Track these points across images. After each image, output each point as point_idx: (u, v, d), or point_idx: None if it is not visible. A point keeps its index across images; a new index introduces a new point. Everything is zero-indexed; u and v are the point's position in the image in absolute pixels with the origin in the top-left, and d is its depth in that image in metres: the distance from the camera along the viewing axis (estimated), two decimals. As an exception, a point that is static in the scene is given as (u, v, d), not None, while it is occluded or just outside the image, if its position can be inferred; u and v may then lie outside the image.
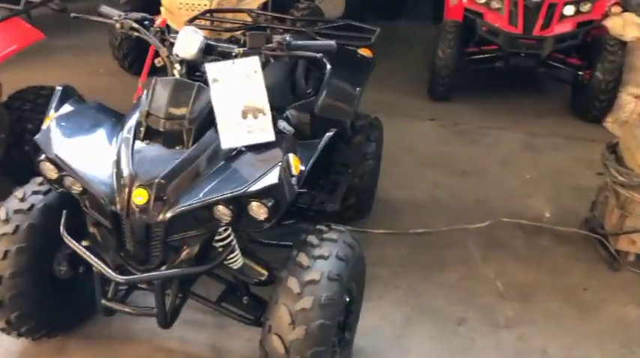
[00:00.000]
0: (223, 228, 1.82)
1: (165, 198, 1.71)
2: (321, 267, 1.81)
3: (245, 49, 1.90)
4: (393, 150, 4.11)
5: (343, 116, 2.71)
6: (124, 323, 2.36)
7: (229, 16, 3.68)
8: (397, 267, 2.91)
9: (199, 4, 4.58)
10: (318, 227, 1.99)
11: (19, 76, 3.95)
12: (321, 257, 1.84)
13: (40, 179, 2.07)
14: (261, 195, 1.71)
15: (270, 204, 1.72)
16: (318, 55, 1.87)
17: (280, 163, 1.76)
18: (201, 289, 2.16)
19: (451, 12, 5.16)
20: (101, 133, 1.92)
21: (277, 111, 2.57)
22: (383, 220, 3.27)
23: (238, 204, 1.73)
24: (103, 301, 1.88)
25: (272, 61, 1.92)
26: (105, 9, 2.10)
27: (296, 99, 2.71)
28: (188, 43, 1.88)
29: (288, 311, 1.74)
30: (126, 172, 1.73)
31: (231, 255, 1.96)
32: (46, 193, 2.03)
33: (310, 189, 2.29)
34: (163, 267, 1.80)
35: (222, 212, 1.72)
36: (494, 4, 4.72)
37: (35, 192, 2.03)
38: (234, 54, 1.90)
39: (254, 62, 1.86)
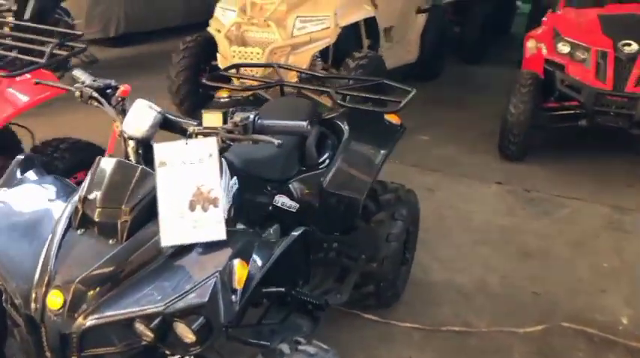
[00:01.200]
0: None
1: (82, 302, 1.43)
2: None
3: (199, 127, 1.61)
4: (446, 220, 3.64)
5: (355, 193, 2.33)
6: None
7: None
8: (416, 374, 2.42)
9: (252, 52, 4.45)
10: (279, 347, 1.61)
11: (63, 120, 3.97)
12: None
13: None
14: (185, 314, 1.38)
15: (195, 326, 1.38)
16: (276, 142, 1.52)
17: (218, 274, 1.42)
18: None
19: (529, 62, 4.61)
20: (43, 216, 1.68)
21: (278, 184, 2.25)
22: (413, 309, 2.79)
23: (162, 321, 1.41)
24: None
25: (231, 144, 1.61)
26: (77, 72, 1.91)
27: (305, 171, 2.37)
28: (139, 119, 1.62)
29: None
30: (46, 269, 1.48)
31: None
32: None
33: (291, 287, 1.93)
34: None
35: (142, 330, 1.40)
36: (579, 55, 4.13)
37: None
38: (188, 133, 1.61)
39: (210, 144, 1.55)
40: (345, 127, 2.47)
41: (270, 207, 2.16)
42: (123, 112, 1.75)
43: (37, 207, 1.71)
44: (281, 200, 2.23)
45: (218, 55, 4.68)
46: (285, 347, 1.62)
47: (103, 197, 1.55)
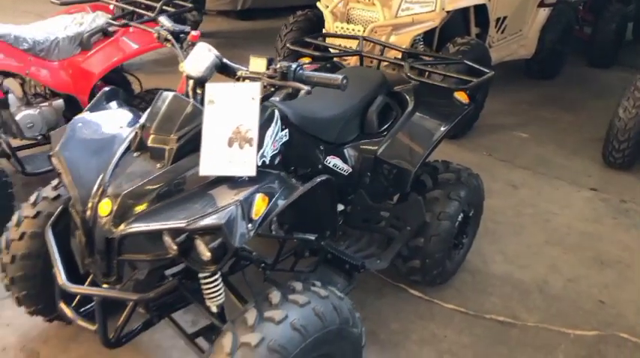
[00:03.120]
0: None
1: (126, 213, 1.64)
2: (265, 332, 1.54)
3: (248, 72, 1.74)
4: (523, 217, 3.51)
5: (407, 164, 2.35)
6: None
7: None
8: (448, 354, 2.40)
9: (353, 29, 4.53)
10: (292, 283, 1.71)
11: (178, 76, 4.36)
12: (270, 320, 1.57)
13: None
14: (204, 233, 1.53)
15: (212, 245, 1.52)
16: (305, 89, 1.60)
17: (238, 204, 1.55)
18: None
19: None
20: (111, 139, 1.92)
21: (334, 146, 2.34)
22: (461, 294, 2.76)
23: (188, 238, 1.57)
24: (60, 305, 1.88)
25: (271, 89, 1.72)
26: (162, 18, 2.13)
27: (363, 137, 2.44)
28: (198, 59, 1.79)
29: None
30: (103, 180, 1.71)
31: (210, 289, 1.81)
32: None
33: (320, 236, 2.00)
34: (118, 286, 1.73)
35: (168, 243, 1.58)
36: None
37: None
38: (236, 76, 1.75)
39: (254, 88, 1.68)
40: (411, 100, 2.49)
41: (321, 166, 2.25)
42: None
43: (109, 131, 1.95)
44: (333, 161, 2.32)
45: (324, 30, 4.81)
46: (298, 285, 1.70)
47: (156, 125, 1.75)
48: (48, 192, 2.12)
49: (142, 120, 1.81)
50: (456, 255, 2.76)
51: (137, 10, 3.30)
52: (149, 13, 3.23)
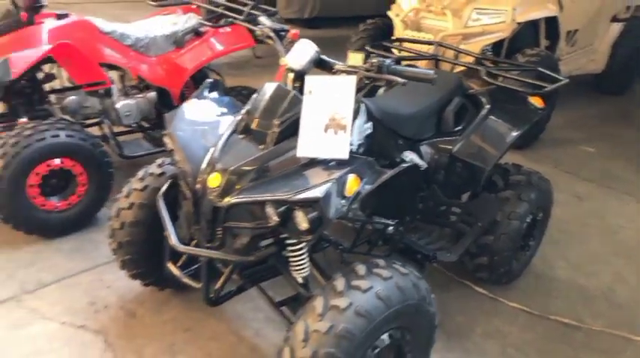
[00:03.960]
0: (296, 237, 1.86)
1: (232, 186, 1.85)
2: (352, 298, 1.70)
3: (345, 66, 1.92)
4: (588, 227, 3.54)
5: (481, 162, 2.47)
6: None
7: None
8: (511, 348, 2.49)
9: (423, 38, 4.67)
10: (375, 260, 1.87)
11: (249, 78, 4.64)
12: (357, 288, 1.73)
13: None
14: (303, 205, 1.71)
15: (311, 215, 1.70)
16: (401, 81, 1.77)
17: (334, 180, 1.73)
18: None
19: None
20: (217, 123, 2.16)
21: (411, 141, 2.49)
22: (526, 295, 2.83)
23: (287, 209, 1.76)
24: (168, 264, 2.11)
25: (365, 82, 1.90)
26: (262, 18, 2.36)
27: (438, 135, 2.57)
28: (300, 54, 1.99)
29: (304, 330, 1.70)
30: (212, 157, 1.93)
31: (297, 262, 2.00)
32: (177, 165, 2.37)
33: (399, 222, 2.14)
34: (222, 250, 1.94)
35: (270, 213, 1.77)
36: None
37: (171, 163, 2.39)
38: (334, 70, 1.94)
39: (349, 81, 1.86)
40: (486, 102, 2.61)
41: (398, 160, 2.40)
42: (290, 51, 2.15)
43: (214, 116, 2.19)
44: (410, 156, 2.46)
45: (393, 38, 4.98)
46: (381, 261, 1.84)
47: (261, 111, 1.95)
48: (154, 169, 2.37)
49: (247, 106, 2.02)
50: (522, 257, 2.84)
51: (226, 12, 3.56)
52: (238, 16, 3.49)
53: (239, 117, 2.06)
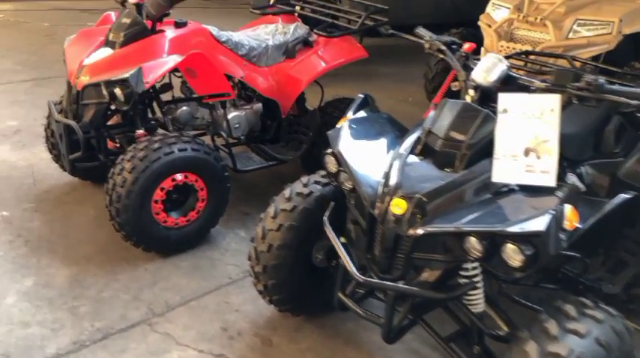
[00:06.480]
0: (471, 262, 1.71)
1: (421, 214, 1.69)
2: (571, 344, 1.53)
3: (546, 83, 1.75)
4: None
5: (652, 187, 2.27)
6: (356, 327, 2.42)
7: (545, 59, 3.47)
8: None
9: (521, 49, 4.48)
10: (581, 299, 1.69)
11: (339, 89, 4.52)
12: (575, 332, 1.55)
13: (323, 172, 2.29)
14: (520, 239, 1.54)
15: (528, 252, 1.53)
16: (633, 103, 1.60)
17: (553, 212, 1.56)
18: (436, 323, 2.07)
19: None
20: (383, 142, 2.01)
21: (569, 163, 2.31)
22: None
23: (492, 241, 1.60)
24: (340, 294, 1.96)
25: (574, 102, 1.73)
26: (421, 30, 2.21)
27: (597, 157, 2.38)
28: (488, 69, 1.83)
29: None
30: (392, 181, 1.77)
31: (474, 295, 1.84)
32: (325, 185, 2.23)
33: (586, 256, 1.97)
34: (401, 282, 1.79)
35: (473, 245, 1.61)
36: None
37: (316, 182, 2.25)
38: (532, 88, 1.77)
39: (553, 100, 1.69)
40: (650, 121, 2.42)
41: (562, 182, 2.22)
42: (465, 65, 1.99)
43: (377, 134, 2.04)
44: (572, 178, 2.28)
45: (482, 49, 4.80)
46: (571, 309, 1.63)
47: (447, 131, 1.80)
48: (300, 188, 2.23)
49: (427, 125, 1.87)
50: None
51: (336, 22, 3.42)
52: (350, 26, 3.36)
53: (415, 137, 1.91)
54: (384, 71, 6.43)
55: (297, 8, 3.59)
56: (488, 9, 4.98)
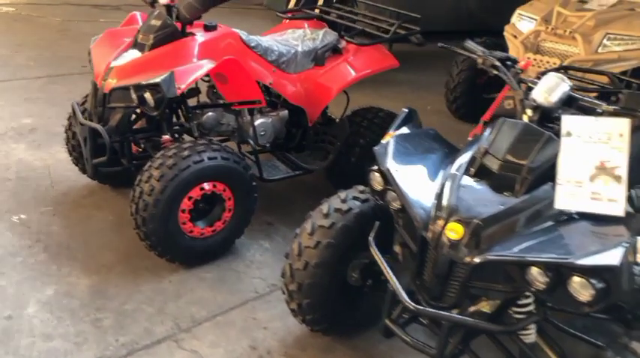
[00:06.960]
0: (530, 294, 1.62)
1: (479, 240, 1.60)
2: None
3: (615, 107, 1.67)
4: None
5: None
6: (390, 350, 2.33)
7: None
8: None
9: (548, 62, 4.40)
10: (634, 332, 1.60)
11: (364, 96, 4.43)
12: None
13: (361, 187, 2.19)
14: (590, 272, 1.45)
15: (599, 286, 1.44)
16: None
17: (626, 244, 1.47)
18: (482, 351, 1.97)
19: None
20: (432, 160, 1.93)
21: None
22: None
23: (558, 273, 1.50)
24: (387, 321, 1.86)
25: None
26: (470, 44, 2.12)
27: (646, 180, 2.30)
28: (550, 89, 1.75)
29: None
30: (446, 203, 1.68)
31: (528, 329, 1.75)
32: (364, 201, 2.14)
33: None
34: (454, 311, 1.69)
35: (536, 276, 1.52)
36: None
37: (355, 198, 2.16)
38: (599, 111, 1.69)
39: (623, 124, 1.60)
40: None
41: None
42: (519, 81, 1.90)
43: (425, 152, 1.95)
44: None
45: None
46: (638, 347, 1.58)
47: (506, 153, 1.71)
48: (338, 204, 2.14)
49: (483, 145, 1.78)
50: None
51: (367, 29, 3.33)
52: (382, 34, 3.27)
53: (468, 157, 1.82)
54: (401, 78, 6.31)
55: (317, 11, 3.51)
56: (514, 19, 4.89)
